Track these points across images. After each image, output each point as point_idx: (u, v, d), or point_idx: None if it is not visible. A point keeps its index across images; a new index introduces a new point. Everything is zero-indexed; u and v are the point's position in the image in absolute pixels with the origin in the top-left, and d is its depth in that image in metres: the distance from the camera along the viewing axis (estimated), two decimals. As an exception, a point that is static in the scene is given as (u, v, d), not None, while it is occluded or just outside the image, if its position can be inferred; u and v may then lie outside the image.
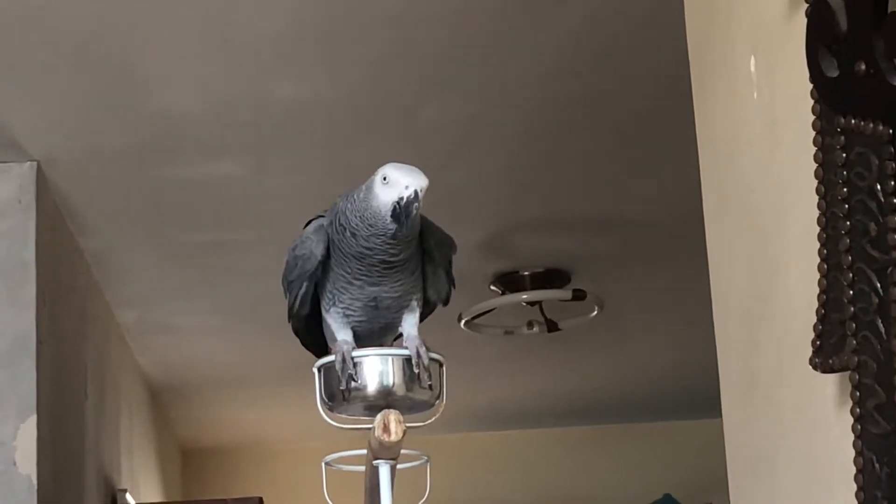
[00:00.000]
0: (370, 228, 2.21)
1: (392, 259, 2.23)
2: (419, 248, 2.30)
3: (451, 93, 3.62)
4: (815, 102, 1.70)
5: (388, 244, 2.22)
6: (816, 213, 1.69)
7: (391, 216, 2.18)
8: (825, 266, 1.68)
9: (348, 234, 2.23)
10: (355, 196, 2.23)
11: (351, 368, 2.26)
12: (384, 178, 2.19)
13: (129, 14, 3.17)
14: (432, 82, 3.57)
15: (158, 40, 3.29)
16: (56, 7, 3.11)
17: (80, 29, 3.21)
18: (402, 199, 2.17)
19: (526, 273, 4.89)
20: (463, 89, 3.61)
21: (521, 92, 3.64)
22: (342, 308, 2.30)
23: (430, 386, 2.28)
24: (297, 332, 2.47)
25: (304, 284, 2.34)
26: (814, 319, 1.70)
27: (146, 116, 3.63)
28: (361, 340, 2.34)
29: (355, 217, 2.22)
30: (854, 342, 1.62)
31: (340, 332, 2.32)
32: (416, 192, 2.17)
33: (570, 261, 4.85)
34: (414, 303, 2.32)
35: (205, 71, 3.46)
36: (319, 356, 2.35)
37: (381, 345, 2.35)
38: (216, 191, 4.08)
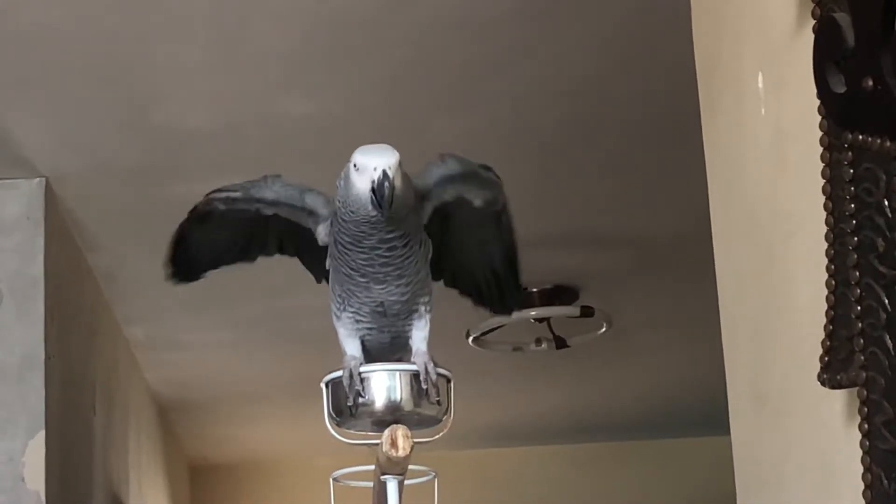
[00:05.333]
0: (352, 215, 2.21)
1: (390, 236, 2.21)
2: (426, 241, 2.29)
3: (461, 109, 3.62)
4: (822, 118, 1.70)
5: (380, 224, 2.21)
6: (824, 228, 1.70)
7: (371, 203, 2.18)
8: (833, 282, 1.68)
9: (340, 221, 2.24)
10: (337, 185, 2.24)
11: (358, 384, 2.26)
12: (355, 166, 2.19)
13: (139, 31, 3.18)
14: (442, 99, 3.58)
15: (168, 57, 3.30)
16: (65, 24, 3.12)
17: (89, 46, 3.22)
18: (373, 182, 2.16)
19: (534, 290, 4.89)
20: (473, 106, 3.61)
21: (531, 109, 3.64)
22: (352, 313, 2.30)
23: (438, 401, 2.28)
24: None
25: (237, 195, 2.38)
26: (822, 335, 1.70)
27: (155, 133, 3.64)
28: (373, 356, 2.34)
29: (341, 207, 2.23)
30: (862, 358, 1.62)
31: (349, 344, 2.32)
32: (384, 171, 2.16)
33: (578, 277, 4.85)
34: (422, 308, 2.32)
35: (215, 88, 3.46)
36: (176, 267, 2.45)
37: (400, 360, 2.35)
38: (225, 207, 4.08)
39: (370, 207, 2.17)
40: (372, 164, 2.16)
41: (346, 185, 2.21)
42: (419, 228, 2.27)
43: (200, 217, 2.42)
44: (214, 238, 2.46)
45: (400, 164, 2.18)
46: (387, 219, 2.18)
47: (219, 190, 2.39)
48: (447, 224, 2.37)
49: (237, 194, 2.37)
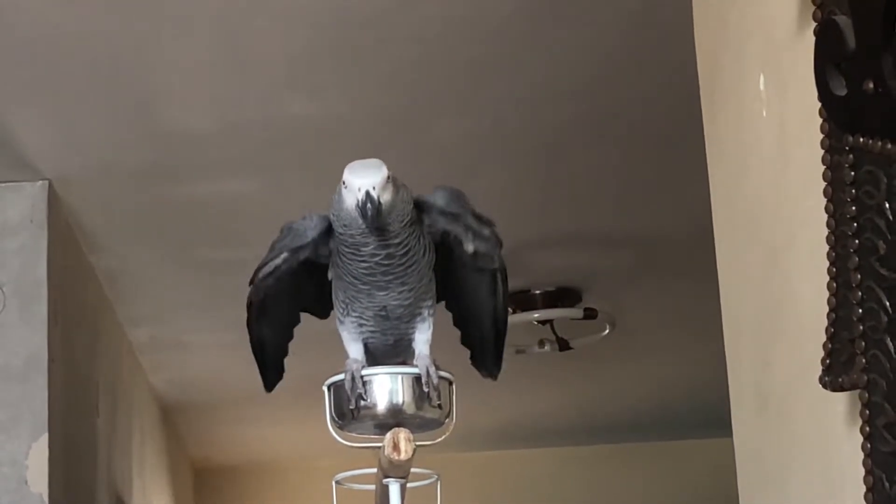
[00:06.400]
0: (346, 228, 2.22)
1: (386, 245, 2.22)
2: (429, 248, 2.29)
3: (464, 110, 3.63)
4: (823, 121, 1.71)
5: (373, 236, 2.21)
6: (825, 231, 1.70)
7: (361, 218, 2.19)
8: (834, 284, 1.68)
9: (338, 232, 2.24)
10: (333, 199, 2.25)
11: (360, 387, 2.26)
12: (343, 183, 2.20)
13: (141, 33, 3.18)
14: (446, 100, 3.58)
15: (171, 58, 3.30)
16: (68, 26, 3.12)
17: (91, 48, 3.22)
18: (358, 202, 2.17)
19: (537, 292, 4.90)
20: (476, 107, 3.61)
21: (534, 109, 3.64)
22: (356, 317, 2.31)
23: (439, 405, 2.28)
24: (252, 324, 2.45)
25: (284, 255, 2.32)
26: (823, 338, 1.70)
27: (159, 135, 3.64)
28: (376, 358, 2.35)
29: (336, 220, 2.23)
30: (863, 360, 1.62)
31: (352, 347, 2.32)
32: (367, 192, 2.17)
33: (581, 279, 4.85)
34: (425, 312, 2.32)
35: (218, 89, 3.46)
36: (266, 373, 2.42)
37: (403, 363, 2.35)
38: (229, 208, 4.09)
39: (360, 222, 2.18)
40: (357, 185, 2.17)
41: (339, 199, 2.22)
42: (421, 236, 2.27)
43: (260, 308, 2.41)
44: (277, 321, 2.46)
45: (390, 178, 2.18)
46: (376, 231, 2.18)
47: (259, 270, 2.36)
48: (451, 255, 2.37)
49: (280, 259, 2.35)
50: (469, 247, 2.33)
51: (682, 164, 3.75)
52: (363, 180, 2.17)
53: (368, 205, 2.15)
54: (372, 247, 2.21)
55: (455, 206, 2.31)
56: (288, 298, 2.41)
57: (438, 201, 2.29)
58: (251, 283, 2.38)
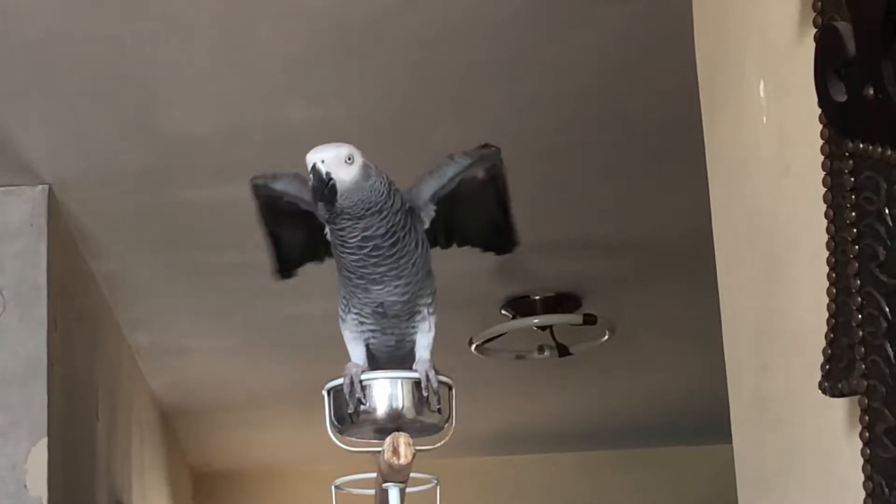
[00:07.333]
0: (317, 213, 2.24)
1: (370, 235, 2.22)
2: (423, 241, 2.30)
3: (464, 114, 3.63)
4: (823, 127, 1.71)
5: (347, 225, 2.22)
6: (825, 236, 1.70)
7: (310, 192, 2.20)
8: (834, 290, 1.68)
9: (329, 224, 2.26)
10: None
11: (359, 392, 2.26)
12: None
13: (142, 36, 3.18)
14: (446, 103, 3.58)
15: (171, 63, 3.30)
16: (68, 31, 3.12)
17: (92, 52, 3.22)
18: (309, 179, 2.18)
19: (537, 297, 4.89)
20: (477, 111, 3.61)
21: (534, 115, 3.65)
22: (355, 315, 2.31)
23: (439, 410, 2.28)
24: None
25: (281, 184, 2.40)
26: (823, 343, 1.70)
27: (159, 139, 3.64)
28: (379, 361, 2.35)
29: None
30: (863, 366, 1.62)
31: (353, 349, 2.33)
32: (313, 165, 2.18)
33: (581, 285, 4.85)
34: (425, 310, 2.32)
35: (218, 93, 3.46)
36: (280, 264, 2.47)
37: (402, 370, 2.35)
38: (229, 213, 4.08)
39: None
40: (309, 163, 2.19)
41: None
42: (413, 229, 2.27)
43: (267, 207, 2.48)
44: (289, 233, 2.50)
45: (350, 159, 2.20)
46: (323, 207, 2.19)
47: (260, 177, 2.41)
48: (455, 200, 2.39)
49: (260, 181, 2.44)
50: (481, 173, 2.41)
51: (682, 170, 3.75)
52: (311, 155, 2.19)
53: (311, 176, 2.18)
54: (349, 236, 2.22)
55: (472, 155, 2.40)
56: (296, 229, 2.45)
57: (461, 162, 2.34)
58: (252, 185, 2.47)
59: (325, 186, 2.18)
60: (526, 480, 7.10)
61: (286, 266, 2.54)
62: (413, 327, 2.33)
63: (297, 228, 2.46)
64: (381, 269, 2.24)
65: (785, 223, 1.95)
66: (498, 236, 2.52)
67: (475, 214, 2.47)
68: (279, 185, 2.40)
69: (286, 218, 2.46)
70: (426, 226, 2.33)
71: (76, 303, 4.16)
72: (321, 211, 2.22)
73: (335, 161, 2.19)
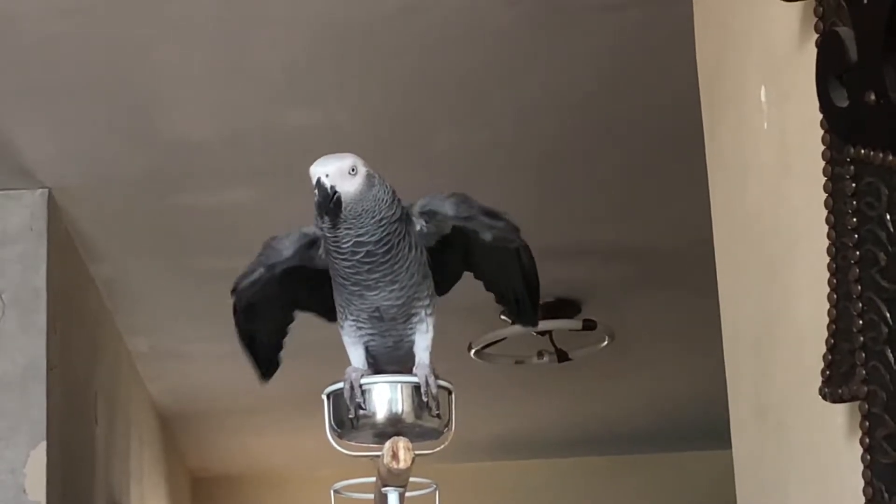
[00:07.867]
0: (319, 222, 2.24)
1: (363, 241, 2.22)
2: (417, 245, 2.29)
3: (465, 121, 3.63)
4: (824, 132, 1.71)
5: (342, 232, 2.22)
6: (826, 242, 1.70)
7: (315, 207, 2.21)
8: (835, 296, 1.68)
9: (324, 234, 2.26)
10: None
11: (359, 396, 2.26)
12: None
13: (142, 42, 3.18)
14: (447, 110, 3.58)
15: (171, 67, 3.30)
16: (69, 35, 3.12)
17: (92, 57, 3.22)
18: (314, 193, 2.19)
19: (536, 303, 4.89)
20: (477, 118, 3.62)
21: (534, 121, 3.65)
22: (353, 320, 2.31)
23: (438, 415, 2.27)
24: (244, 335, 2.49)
25: (260, 271, 2.35)
26: (823, 349, 1.70)
27: (158, 143, 3.64)
28: (379, 363, 2.35)
29: (317, 220, 2.26)
30: (863, 372, 1.62)
31: (353, 353, 2.33)
32: (318, 180, 2.18)
33: (580, 290, 4.85)
34: (422, 312, 2.31)
35: (218, 98, 3.47)
36: (262, 368, 2.48)
37: (403, 370, 2.35)
38: (228, 218, 4.09)
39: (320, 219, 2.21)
40: (314, 177, 2.19)
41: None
42: (407, 233, 2.27)
43: (248, 310, 2.43)
44: (268, 320, 2.49)
45: (354, 170, 2.20)
46: (327, 220, 2.20)
47: (238, 282, 2.39)
48: (467, 246, 2.38)
49: (257, 274, 2.37)
50: (487, 236, 2.35)
51: (682, 176, 3.75)
52: (315, 168, 2.19)
53: (316, 191, 2.17)
54: (345, 243, 2.22)
55: (465, 209, 2.32)
56: (280, 302, 2.44)
57: (448, 210, 2.30)
58: (233, 291, 2.39)
59: (329, 201, 2.18)
60: (525, 486, 7.10)
61: (268, 365, 2.56)
62: (411, 329, 2.33)
63: (274, 310, 2.45)
64: (375, 276, 2.24)
65: (786, 229, 1.95)
66: (518, 306, 2.50)
67: (496, 272, 2.45)
68: (285, 254, 2.36)
69: (264, 305, 2.44)
70: (417, 228, 2.32)
71: (75, 307, 4.16)
72: (325, 224, 2.21)
73: (339, 173, 2.19)
